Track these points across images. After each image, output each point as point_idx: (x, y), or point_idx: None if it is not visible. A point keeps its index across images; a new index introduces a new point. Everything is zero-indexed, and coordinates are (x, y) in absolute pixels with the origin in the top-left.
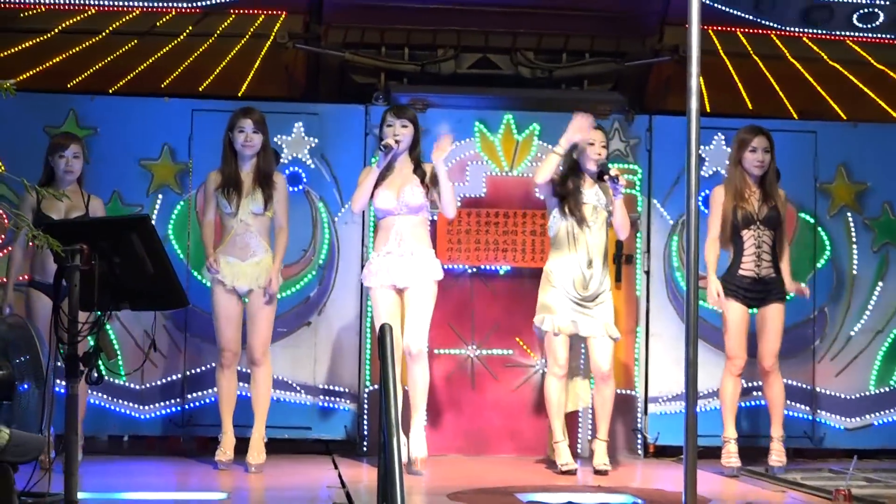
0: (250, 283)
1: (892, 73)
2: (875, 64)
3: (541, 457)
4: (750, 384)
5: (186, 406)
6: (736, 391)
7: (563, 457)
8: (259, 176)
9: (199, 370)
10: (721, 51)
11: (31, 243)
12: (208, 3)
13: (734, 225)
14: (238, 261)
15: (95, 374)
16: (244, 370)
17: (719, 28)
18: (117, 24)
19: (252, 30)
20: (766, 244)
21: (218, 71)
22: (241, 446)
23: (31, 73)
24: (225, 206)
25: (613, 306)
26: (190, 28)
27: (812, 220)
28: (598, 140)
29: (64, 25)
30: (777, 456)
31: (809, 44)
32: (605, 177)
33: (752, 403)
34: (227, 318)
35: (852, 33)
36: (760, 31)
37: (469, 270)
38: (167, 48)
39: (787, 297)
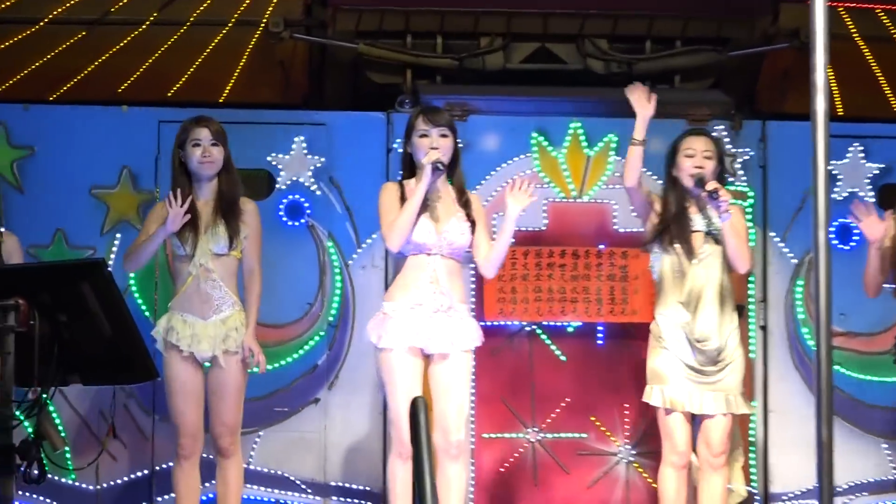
0: (213, 346)
1: None
2: None
3: None
4: None
5: None
6: None
7: None
8: (221, 203)
9: (171, 464)
10: (856, 34)
11: None
12: None
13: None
14: (198, 319)
15: (36, 471)
16: (209, 456)
17: (853, 5)
18: (58, 10)
19: (236, 15)
20: None
21: (192, 70)
22: None
23: None
24: (178, 246)
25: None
26: (154, 14)
27: None
28: (699, 149)
29: None
30: None
31: None
32: (703, 193)
33: None
34: (184, 393)
35: None
36: None
37: (527, 328)
38: (125, 41)
39: None
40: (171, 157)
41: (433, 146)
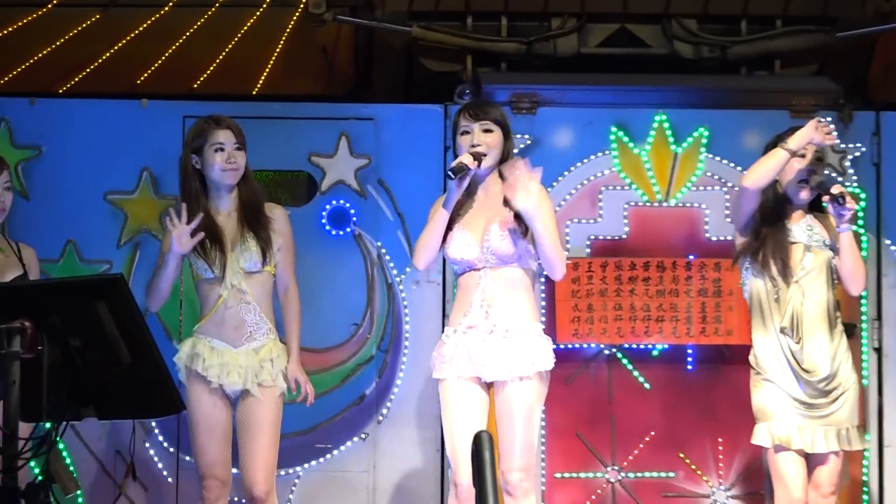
0: (246, 379)
1: None
2: None
3: None
4: None
5: None
6: None
7: None
8: (246, 213)
9: None
10: None
11: None
12: None
13: None
14: (228, 346)
15: None
16: (240, 500)
17: None
18: None
19: None
20: None
21: (221, 58)
22: None
23: None
24: (204, 269)
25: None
26: None
27: None
28: (809, 147)
29: None
30: None
31: None
32: (825, 198)
33: None
34: (210, 429)
35: None
36: None
37: (606, 352)
38: (144, 26)
39: None
40: (182, 166)
41: (474, 143)
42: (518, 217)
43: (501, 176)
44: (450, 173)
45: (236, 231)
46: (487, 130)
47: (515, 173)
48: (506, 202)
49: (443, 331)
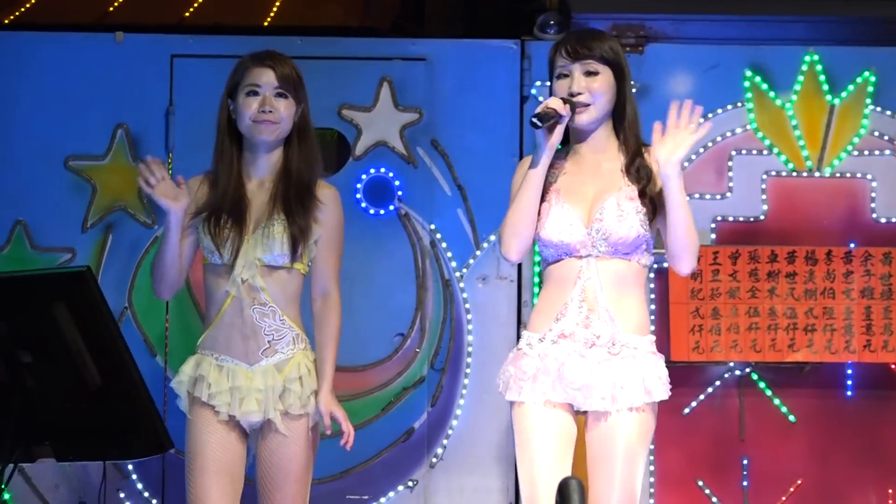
0: (266, 406)
1: None
2: None
3: None
4: None
5: None
6: None
7: None
8: (287, 188)
9: None
10: None
11: None
12: None
13: None
14: (241, 364)
15: None
16: None
17: None
18: None
19: None
20: None
21: None
22: None
23: None
24: (210, 250)
25: None
26: None
27: None
28: None
29: None
30: None
31: None
32: None
33: None
34: (216, 473)
35: None
36: None
37: (737, 372)
38: None
39: None
40: (219, 112)
41: (573, 91)
42: (644, 193)
43: (617, 133)
44: (534, 121)
45: (265, 208)
46: (591, 73)
47: (673, 117)
48: (633, 171)
49: (518, 338)
